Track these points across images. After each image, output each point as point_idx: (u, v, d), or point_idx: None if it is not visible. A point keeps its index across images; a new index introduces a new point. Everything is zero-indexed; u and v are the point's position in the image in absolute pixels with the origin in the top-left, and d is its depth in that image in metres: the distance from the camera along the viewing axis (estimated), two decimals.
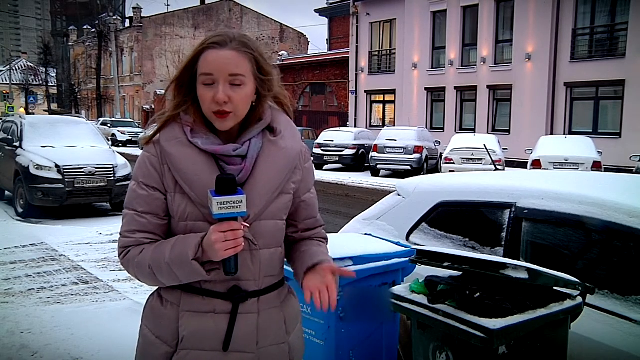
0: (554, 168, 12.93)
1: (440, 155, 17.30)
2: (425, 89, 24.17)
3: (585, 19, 19.56)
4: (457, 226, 3.01)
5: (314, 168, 1.71)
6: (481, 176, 3.46)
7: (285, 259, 1.64)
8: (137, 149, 26.75)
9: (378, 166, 18.06)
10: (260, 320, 1.50)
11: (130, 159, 9.95)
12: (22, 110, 46.74)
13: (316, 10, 34.47)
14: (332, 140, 19.81)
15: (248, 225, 1.44)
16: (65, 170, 9.11)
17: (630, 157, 13.98)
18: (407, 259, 2.65)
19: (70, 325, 4.22)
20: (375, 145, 18.02)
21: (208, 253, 1.38)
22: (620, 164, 16.33)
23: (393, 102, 26.31)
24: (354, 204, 11.32)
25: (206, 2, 50.38)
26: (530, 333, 1.95)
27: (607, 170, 14.45)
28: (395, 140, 17.59)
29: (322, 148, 19.90)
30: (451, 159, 15.46)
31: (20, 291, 5.18)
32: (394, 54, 25.84)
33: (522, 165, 16.47)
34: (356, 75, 27.38)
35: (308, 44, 52.35)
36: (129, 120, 39.77)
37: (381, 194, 11.67)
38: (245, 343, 1.48)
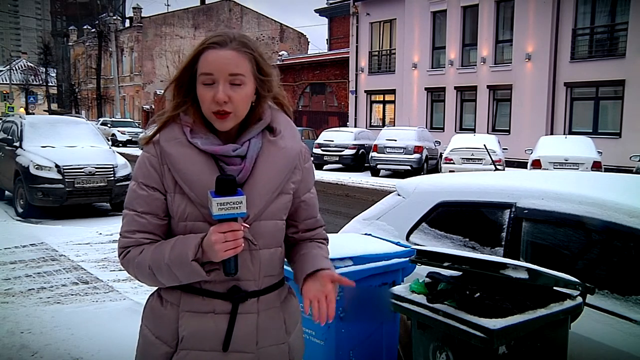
0: (554, 168, 12.93)
1: (440, 155, 17.30)
2: (425, 89, 24.17)
3: (585, 19, 19.56)
4: (457, 226, 3.01)
5: (314, 168, 1.70)
6: (481, 176, 3.46)
7: (286, 259, 1.64)
8: (137, 149, 26.74)
9: (378, 166, 18.06)
10: (260, 321, 1.50)
11: (130, 159, 9.95)
12: (22, 110, 46.74)
13: (316, 10, 34.48)
14: (332, 140, 19.81)
15: (248, 225, 1.44)
16: (65, 170, 9.11)
17: (630, 157, 13.98)
18: (407, 259, 2.65)
19: (70, 325, 4.23)
20: (375, 145, 18.02)
21: (208, 254, 1.38)
22: (620, 164, 16.33)
23: (393, 102, 26.31)
24: (354, 204, 11.32)
25: (206, 2, 50.38)
26: (530, 333, 1.95)
27: (607, 170, 14.45)
28: (395, 140, 17.59)
29: (322, 148, 19.90)
30: (451, 159, 15.46)
31: (20, 291, 5.18)
32: (394, 54, 25.84)
33: (522, 165, 16.47)
34: (356, 75, 27.39)
35: (308, 44, 52.36)
36: (129, 120, 39.77)
37: (381, 194, 11.67)
38: (245, 343, 1.48)
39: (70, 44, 58.72)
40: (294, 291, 1.69)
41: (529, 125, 20.25)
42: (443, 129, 23.26)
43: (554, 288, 2.08)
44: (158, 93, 40.91)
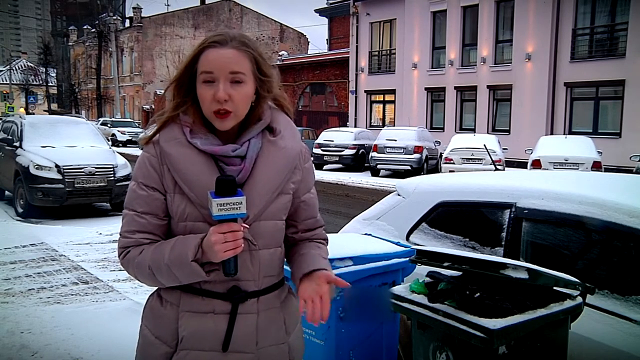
0: (554, 168, 12.93)
1: (440, 155, 17.30)
2: (425, 89, 24.17)
3: (585, 19, 19.56)
4: (457, 226, 3.01)
5: (314, 168, 1.70)
6: (481, 176, 3.46)
7: (285, 259, 1.64)
8: (137, 149, 26.74)
9: (378, 166, 18.06)
10: (259, 321, 1.50)
11: (130, 159, 9.95)
12: (22, 110, 46.73)
13: (316, 10, 34.47)
14: (332, 140, 19.81)
15: (248, 226, 1.44)
16: (65, 170, 9.11)
17: (630, 157, 13.98)
18: (407, 259, 2.65)
19: (70, 325, 4.23)
20: (375, 145, 18.03)
21: (207, 254, 1.38)
22: (620, 164, 16.33)
23: (393, 102, 26.31)
24: (354, 204, 11.32)
25: (206, 2, 50.39)
26: (530, 333, 1.94)
27: (607, 170, 14.45)
28: (395, 140, 17.59)
29: (322, 148, 19.90)
30: (451, 159, 15.46)
31: (20, 291, 5.18)
32: (394, 54, 25.84)
33: (522, 165, 16.47)
34: (356, 75, 27.39)
35: (308, 44, 52.36)
36: (129, 120, 39.78)
37: (381, 194, 11.67)
38: (245, 343, 1.48)
39: (70, 44, 58.72)
40: (294, 291, 1.68)
41: (529, 125, 20.25)
42: (443, 129, 23.26)
43: (554, 288, 2.08)
44: (158, 93, 40.90)
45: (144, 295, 4.33)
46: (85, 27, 53.06)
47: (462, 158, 15.27)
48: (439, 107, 24.16)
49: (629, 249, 2.32)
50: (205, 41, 1.48)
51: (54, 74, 60.46)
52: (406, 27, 24.57)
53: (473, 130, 21.11)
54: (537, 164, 13.42)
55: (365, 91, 27.12)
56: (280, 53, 36.52)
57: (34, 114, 38.37)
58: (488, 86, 21.80)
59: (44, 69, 57.94)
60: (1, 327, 4.22)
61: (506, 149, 16.79)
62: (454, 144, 15.85)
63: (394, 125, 23.24)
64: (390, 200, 3.52)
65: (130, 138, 31.92)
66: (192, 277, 1.42)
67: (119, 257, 1.50)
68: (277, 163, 1.51)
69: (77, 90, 52.28)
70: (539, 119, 20.15)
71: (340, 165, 20.08)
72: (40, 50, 59.17)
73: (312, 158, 1.78)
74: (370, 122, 27.06)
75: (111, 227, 8.14)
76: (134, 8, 47.55)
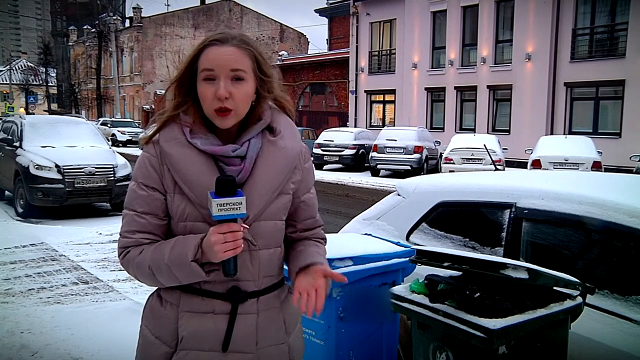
0: (554, 168, 12.93)
1: (440, 155, 17.30)
2: (425, 89, 24.17)
3: (585, 19, 19.56)
4: (457, 226, 3.01)
5: (314, 168, 1.70)
6: (481, 176, 3.46)
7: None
8: (137, 149, 26.74)
9: (378, 166, 18.06)
10: (259, 321, 1.50)
11: (130, 159, 9.95)
12: (22, 110, 46.73)
13: (316, 10, 34.47)
14: (332, 140, 19.81)
15: (247, 226, 1.44)
16: (65, 170, 9.11)
17: (630, 157, 13.98)
18: (407, 259, 2.65)
19: (70, 325, 4.23)
20: (375, 145, 18.03)
21: (207, 254, 1.38)
22: (620, 164, 16.33)
23: (393, 102, 26.31)
24: (354, 204, 11.32)
25: (206, 2, 50.38)
26: (530, 333, 1.94)
27: (607, 170, 14.45)
28: (395, 140, 17.59)
29: (322, 148, 19.90)
30: (451, 159, 15.46)
31: (20, 291, 5.18)
32: (394, 54, 25.84)
33: (522, 165, 16.47)
34: (356, 75, 27.38)
35: (308, 44, 52.35)
36: (129, 120, 39.78)
37: (381, 194, 11.67)
38: (245, 343, 1.48)
39: (70, 44, 58.72)
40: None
41: (529, 125, 20.25)
42: (443, 129, 23.26)
43: (554, 288, 2.08)
44: (158, 93, 40.91)
45: (144, 295, 4.33)
46: (85, 27, 53.06)
47: (462, 158, 15.27)
48: (439, 107, 24.16)
49: (629, 249, 2.32)
50: (205, 40, 1.49)
51: (54, 74, 60.46)
52: (406, 27, 24.56)
53: (473, 130, 21.11)
54: (537, 164, 13.42)
55: (365, 91, 27.12)
56: (280, 53, 36.51)
57: (34, 114, 38.37)
58: (488, 86, 21.80)
59: (44, 69, 57.94)
60: (1, 327, 4.22)
61: (506, 149, 16.79)
62: (454, 144, 15.85)
63: (394, 125, 23.24)
64: (390, 200, 3.52)
65: (130, 138, 31.91)
66: (192, 277, 1.42)
67: (118, 257, 1.50)
68: (277, 163, 1.51)
69: (77, 90, 52.27)
70: (539, 119, 20.15)
71: (340, 165, 20.08)
72: (40, 50, 59.17)
73: (312, 158, 1.78)
74: (370, 122, 27.06)
75: (111, 227, 8.14)
76: (134, 8, 47.56)
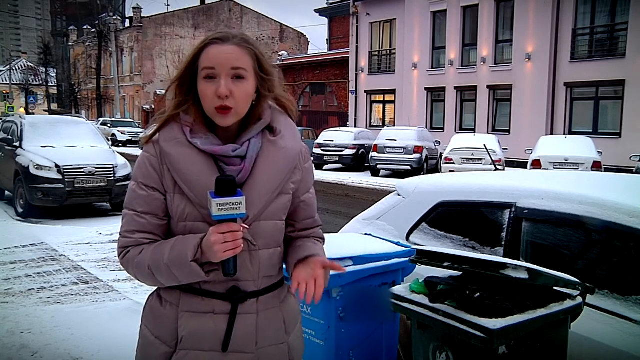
0: (554, 168, 12.93)
1: (440, 155, 17.30)
2: (425, 89, 24.17)
3: (585, 19, 19.56)
4: (457, 226, 3.01)
5: (314, 168, 1.70)
6: (481, 176, 3.46)
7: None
8: (137, 149, 26.74)
9: (378, 166, 18.06)
10: (259, 321, 1.50)
11: (130, 159, 9.95)
12: (22, 110, 46.73)
13: (316, 10, 34.47)
14: (332, 140, 19.81)
15: (247, 226, 1.44)
16: (65, 170, 9.11)
17: (630, 157, 13.98)
18: (407, 259, 2.65)
19: (70, 325, 4.22)
20: (375, 145, 18.03)
21: (207, 254, 1.38)
22: (620, 164, 16.33)
23: (393, 102, 26.31)
24: (354, 204, 11.32)
25: (206, 2, 50.39)
26: (530, 333, 1.94)
27: (607, 170, 14.45)
28: (395, 140, 17.59)
29: (322, 148, 19.90)
30: (451, 159, 15.47)
31: (20, 291, 5.18)
32: (394, 54, 25.85)
33: (522, 165, 16.47)
34: (356, 75, 27.38)
35: (308, 44, 52.35)
36: (129, 120, 39.78)
37: (381, 194, 11.67)
38: (245, 343, 1.48)
39: (70, 44, 58.72)
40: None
41: (529, 125, 20.25)
42: (443, 129, 23.27)
43: (554, 288, 2.08)
44: (158, 93, 40.91)
45: (144, 295, 4.33)
46: (85, 27, 53.06)
47: (462, 158, 15.28)
48: (439, 107, 24.16)
49: (629, 249, 2.32)
50: (206, 39, 1.49)
51: (54, 74, 60.46)
52: (406, 27, 24.57)
53: (473, 130, 21.12)
54: (537, 164, 13.43)
55: (365, 91, 27.12)
56: (280, 53, 36.51)
57: (34, 114, 38.37)
58: (488, 86, 21.80)
59: (44, 69, 57.94)
60: (1, 327, 4.22)
61: (506, 149, 16.79)
62: (454, 144, 15.85)
63: (394, 125, 23.24)
64: (390, 200, 3.52)
65: (130, 138, 31.91)
66: (192, 277, 1.42)
67: (118, 256, 1.50)
68: (277, 163, 1.51)
69: (77, 90, 52.28)
70: (539, 119, 20.15)
71: (340, 165, 20.08)
72: (40, 50, 59.18)
73: (312, 158, 1.78)
74: (370, 122, 27.06)
75: (111, 227, 8.14)
76: (134, 8, 47.56)
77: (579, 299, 2.08)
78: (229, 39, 1.46)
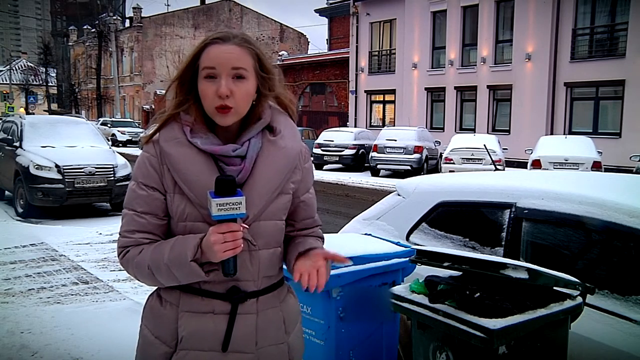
0: (554, 168, 12.93)
1: (440, 155, 17.30)
2: (425, 89, 24.17)
3: (585, 19, 19.56)
4: (457, 226, 3.01)
5: (314, 168, 1.70)
6: (481, 176, 3.46)
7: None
8: (137, 149, 26.74)
9: (378, 166, 18.06)
10: (259, 321, 1.50)
11: (130, 159, 9.95)
12: (22, 110, 46.74)
13: (316, 10, 34.47)
14: (332, 140, 19.82)
15: (247, 226, 1.44)
16: (65, 170, 9.11)
17: (630, 157, 13.98)
18: (407, 259, 2.65)
19: (70, 325, 4.22)
20: (375, 145, 18.03)
21: (207, 254, 1.38)
22: (620, 164, 16.33)
23: (393, 102, 26.31)
24: (354, 204, 11.32)
25: (206, 2, 50.38)
26: (530, 333, 1.94)
27: (607, 170, 14.45)
28: (395, 140, 17.59)
29: (322, 148, 19.90)
30: (451, 159, 15.47)
31: (20, 291, 5.18)
32: (394, 54, 25.85)
33: (522, 165, 16.47)
34: (356, 75, 27.39)
35: (308, 44, 52.35)
36: (129, 120, 39.78)
37: (381, 194, 11.67)
38: (245, 343, 1.48)
39: (70, 44, 58.72)
40: (294, 291, 1.69)
41: (529, 125, 20.25)
42: (443, 129, 23.27)
43: (554, 288, 2.08)
44: (158, 93, 40.91)
45: (144, 295, 4.33)
46: (85, 27, 53.05)
47: (462, 158, 15.28)
48: (439, 107, 24.16)
49: (629, 249, 2.32)
50: (207, 38, 1.49)
51: (54, 74, 60.46)
52: (406, 27, 24.57)
53: (473, 130, 21.12)
54: (537, 164, 13.43)
55: (365, 91, 27.12)
56: (280, 53, 36.51)
57: (34, 114, 38.38)
58: (488, 86, 21.80)
59: (44, 69, 57.94)
60: (1, 327, 4.22)
61: (506, 149, 16.79)
62: (454, 144, 15.85)
63: (394, 125, 23.24)
64: (390, 200, 3.52)
65: (130, 138, 31.91)
66: (192, 277, 1.42)
67: (118, 256, 1.50)
68: (277, 163, 1.51)
69: (77, 90, 52.28)
70: (539, 119, 20.15)
71: (340, 165, 20.08)
72: (40, 50, 59.17)
73: (312, 158, 1.78)
74: (370, 122, 27.06)
75: (111, 227, 8.14)
76: (134, 8, 47.56)
77: (579, 299, 2.08)
78: (229, 39, 1.46)
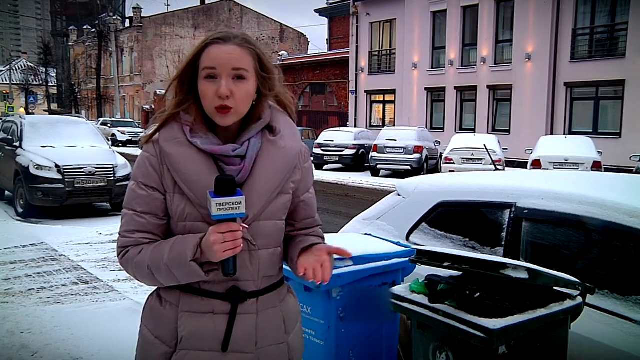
0: (554, 168, 12.93)
1: (440, 155, 17.30)
2: (425, 89, 24.17)
3: (585, 19, 19.56)
4: (457, 226, 3.01)
5: (314, 168, 1.70)
6: (481, 176, 3.46)
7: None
8: (137, 148, 26.74)
9: (378, 166, 18.06)
10: (259, 321, 1.50)
11: (130, 159, 9.95)
12: (22, 110, 46.74)
13: (316, 10, 34.48)
14: (332, 140, 19.82)
15: (247, 226, 1.44)
16: (65, 170, 9.11)
17: (630, 157, 13.98)
18: (407, 259, 2.65)
19: (70, 325, 4.22)
20: (375, 145, 18.03)
21: (207, 254, 1.38)
22: (620, 164, 16.33)
23: (393, 102, 26.31)
24: (354, 204, 11.32)
25: (206, 2, 50.38)
26: (530, 333, 1.94)
27: (607, 170, 14.45)
28: (395, 140, 17.59)
29: (322, 148, 19.90)
30: (451, 159, 15.47)
31: (20, 291, 5.18)
32: (394, 54, 25.85)
33: (522, 165, 16.47)
34: (356, 75, 27.39)
35: (308, 44, 52.35)
36: (129, 120, 39.78)
37: (381, 194, 11.67)
38: (244, 343, 1.48)
39: (70, 44, 58.72)
40: (294, 291, 1.69)
41: (529, 125, 20.25)
42: (443, 129, 23.27)
43: (554, 288, 2.08)
44: (158, 93, 40.91)
45: (144, 295, 4.33)
46: (85, 27, 53.06)
47: (462, 158, 15.28)
48: (439, 107, 24.16)
49: (629, 249, 2.32)
50: (207, 38, 1.49)
51: (54, 74, 60.46)
52: (406, 27, 24.57)
53: (473, 130, 21.12)
54: (537, 164, 13.43)
55: (365, 91, 27.12)
56: (280, 53, 36.52)
57: (34, 114, 38.38)
58: (488, 86, 21.80)
59: (44, 69, 57.94)
60: (1, 327, 4.22)
61: (506, 149, 16.79)
62: (454, 144, 15.85)
63: (394, 125, 23.24)
64: (390, 200, 3.52)
65: (130, 138, 31.91)
66: (191, 277, 1.42)
67: (118, 256, 1.50)
68: (277, 163, 1.51)
69: (77, 90, 52.28)
70: (539, 119, 20.15)
71: (340, 165, 20.08)
72: (40, 50, 59.17)
73: (311, 158, 1.78)
74: (370, 122, 27.06)
75: (111, 227, 8.14)
76: (134, 8, 47.56)
77: (579, 299, 2.08)
78: (230, 39, 1.46)
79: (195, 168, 1.44)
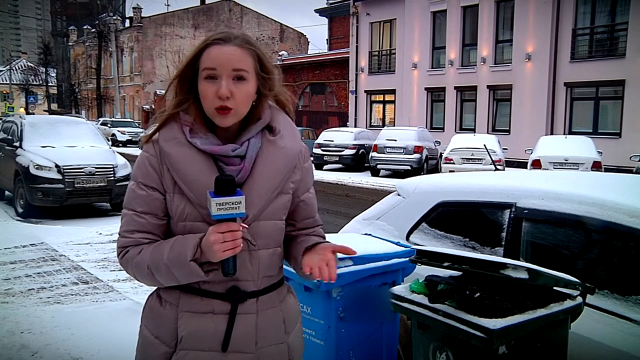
0: (554, 168, 12.93)
1: (440, 155, 17.31)
2: (425, 89, 24.17)
3: (585, 19, 19.56)
4: (457, 226, 3.01)
5: (314, 168, 1.70)
6: (481, 176, 3.46)
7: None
8: (137, 148, 26.74)
9: (378, 166, 18.07)
10: (259, 321, 1.50)
11: (130, 159, 9.94)
12: (22, 110, 46.73)
13: (316, 10, 34.48)
14: (332, 140, 19.82)
15: (247, 226, 1.44)
16: (65, 170, 9.11)
17: (630, 157, 13.98)
18: (407, 259, 2.65)
19: (70, 325, 4.22)
20: (375, 145, 18.03)
21: (206, 254, 1.38)
22: (620, 164, 16.33)
23: (393, 102, 26.31)
24: (354, 204, 11.32)
25: (206, 2, 50.38)
26: (530, 333, 1.94)
27: (607, 170, 14.45)
28: (395, 140, 17.59)
29: (322, 148, 19.90)
30: (451, 159, 15.47)
31: (20, 291, 5.18)
32: (394, 54, 25.85)
33: (522, 165, 16.47)
34: (356, 75, 27.39)
35: (308, 44, 52.35)
36: (129, 120, 39.78)
37: (381, 194, 11.67)
38: (244, 343, 1.48)
39: (70, 44, 58.73)
40: (293, 291, 1.69)
41: (529, 125, 20.25)
42: (443, 129, 23.27)
43: (554, 288, 2.08)
44: (158, 93, 40.92)
45: (144, 295, 4.33)
46: (85, 27, 53.06)
47: (462, 158, 15.28)
48: (439, 107, 24.16)
49: (629, 249, 2.32)
50: (208, 38, 1.48)
51: (54, 74, 60.46)
52: (406, 27, 24.57)
53: (473, 130, 21.12)
54: (537, 164, 13.43)
55: (365, 91, 27.12)
56: (280, 53, 36.52)
57: (34, 114, 38.37)
58: (488, 86, 21.80)
59: (44, 69, 57.94)
60: (1, 327, 4.22)
61: (506, 149, 16.79)
62: (454, 144, 15.86)
63: (394, 125, 23.25)
64: (390, 200, 3.52)
65: (130, 138, 31.91)
66: (191, 277, 1.42)
67: (118, 256, 1.50)
68: (277, 163, 1.51)
69: (77, 90, 52.28)
70: (539, 119, 20.15)
71: (340, 165, 20.08)
72: (40, 50, 59.17)
73: (311, 158, 1.78)
74: (370, 122, 27.06)
75: (111, 227, 8.14)
76: (134, 8, 47.56)
77: (579, 299, 2.08)
78: (230, 40, 1.45)
79: (195, 168, 1.44)
